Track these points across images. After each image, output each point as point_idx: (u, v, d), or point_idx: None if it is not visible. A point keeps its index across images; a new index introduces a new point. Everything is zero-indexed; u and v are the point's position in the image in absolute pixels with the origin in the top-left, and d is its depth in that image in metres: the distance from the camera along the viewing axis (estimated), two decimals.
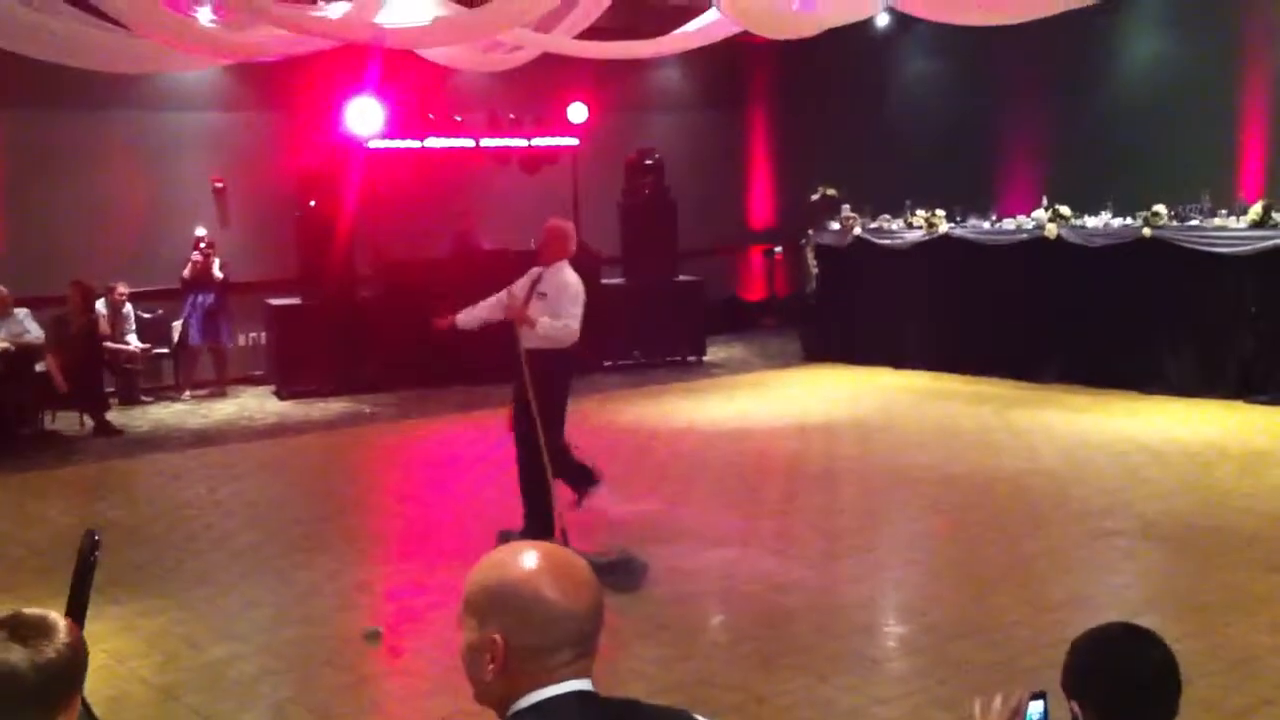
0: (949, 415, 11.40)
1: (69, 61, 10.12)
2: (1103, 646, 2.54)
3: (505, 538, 6.83)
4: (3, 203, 12.96)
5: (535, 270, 7.67)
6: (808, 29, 10.85)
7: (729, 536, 7.79)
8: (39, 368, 11.32)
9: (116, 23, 8.85)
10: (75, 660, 2.26)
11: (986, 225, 13.36)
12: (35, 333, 11.48)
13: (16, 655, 2.16)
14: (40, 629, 2.23)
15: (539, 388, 7.32)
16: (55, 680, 2.20)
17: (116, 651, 5.96)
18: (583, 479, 7.98)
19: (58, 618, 2.27)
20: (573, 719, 1.91)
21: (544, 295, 7.48)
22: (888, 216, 14.31)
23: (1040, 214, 12.76)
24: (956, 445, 10.17)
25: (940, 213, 13.66)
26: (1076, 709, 2.49)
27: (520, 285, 7.66)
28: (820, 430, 10.98)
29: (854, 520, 8.14)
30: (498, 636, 1.95)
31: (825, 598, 6.59)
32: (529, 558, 1.98)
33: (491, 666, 1.96)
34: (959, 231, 13.42)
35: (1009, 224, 13.13)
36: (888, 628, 6.34)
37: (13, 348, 11.19)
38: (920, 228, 13.77)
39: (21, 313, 11.55)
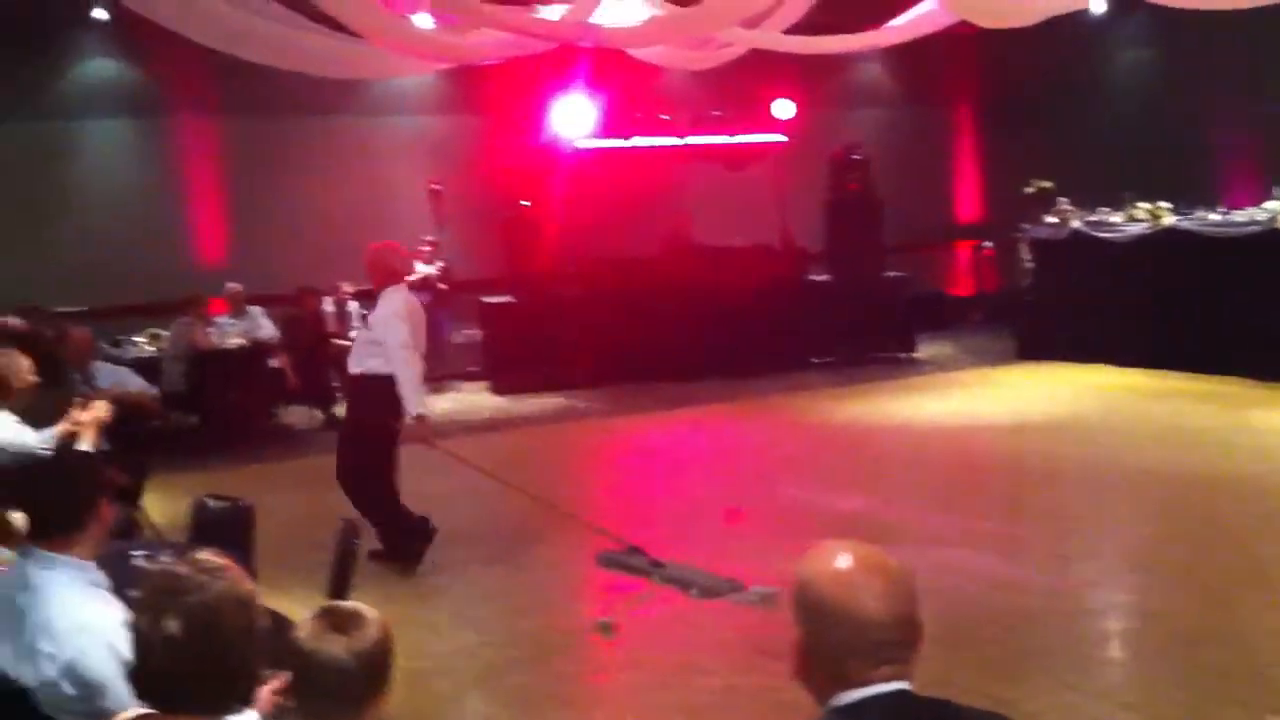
0: (1176, 414, 10.94)
1: (283, 65, 10.57)
2: None
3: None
4: (232, 206, 13.63)
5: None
6: (1030, 17, 10.56)
7: (952, 537, 7.64)
8: (272, 364, 11.83)
9: (335, 26, 9.18)
10: (387, 648, 2.38)
11: (1215, 217, 12.78)
12: (268, 330, 12.01)
13: (338, 646, 2.29)
14: (356, 620, 2.36)
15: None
16: (372, 666, 2.33)
17: None
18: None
19: (368, 609, 2.39)
20: (886, 718, 1.91)
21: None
22: (1106, 209, 13.84)
23: (1274, 204, 12.14)
24: (1186, 445, 9.75)
25: (1165, 205, 13.13)
26: None
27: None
28: (1040, 429, 10.68)
29: (1083, 522, 7.91)
30: (802, 635, 1.97)
31: (1063, 601, 6.41)
32: (839, 560, 1.99)
33: (797, 663, 1.99)
34: (1185, 224, 12.87)
35: (1239, 215, 12.54)
36: (1129, 632, 6.14)
37: (248, 344, 11.73)
38: (1144, 220, 13.26)
39: (255, 310, 12.10)
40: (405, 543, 7.43)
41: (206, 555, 2.24)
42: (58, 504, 3.39)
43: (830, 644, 1.94)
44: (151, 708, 2.16)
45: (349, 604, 2.44)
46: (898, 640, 1.94)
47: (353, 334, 13.31)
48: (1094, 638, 5.96)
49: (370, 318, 7.48)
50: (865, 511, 8.30)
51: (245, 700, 2.18)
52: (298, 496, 9.82)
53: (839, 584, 1.96)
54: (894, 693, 1.93)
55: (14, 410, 5.89)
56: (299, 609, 5.89)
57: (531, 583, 7.14)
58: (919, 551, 7.36)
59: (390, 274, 7.41)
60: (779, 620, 6.18)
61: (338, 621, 2.34)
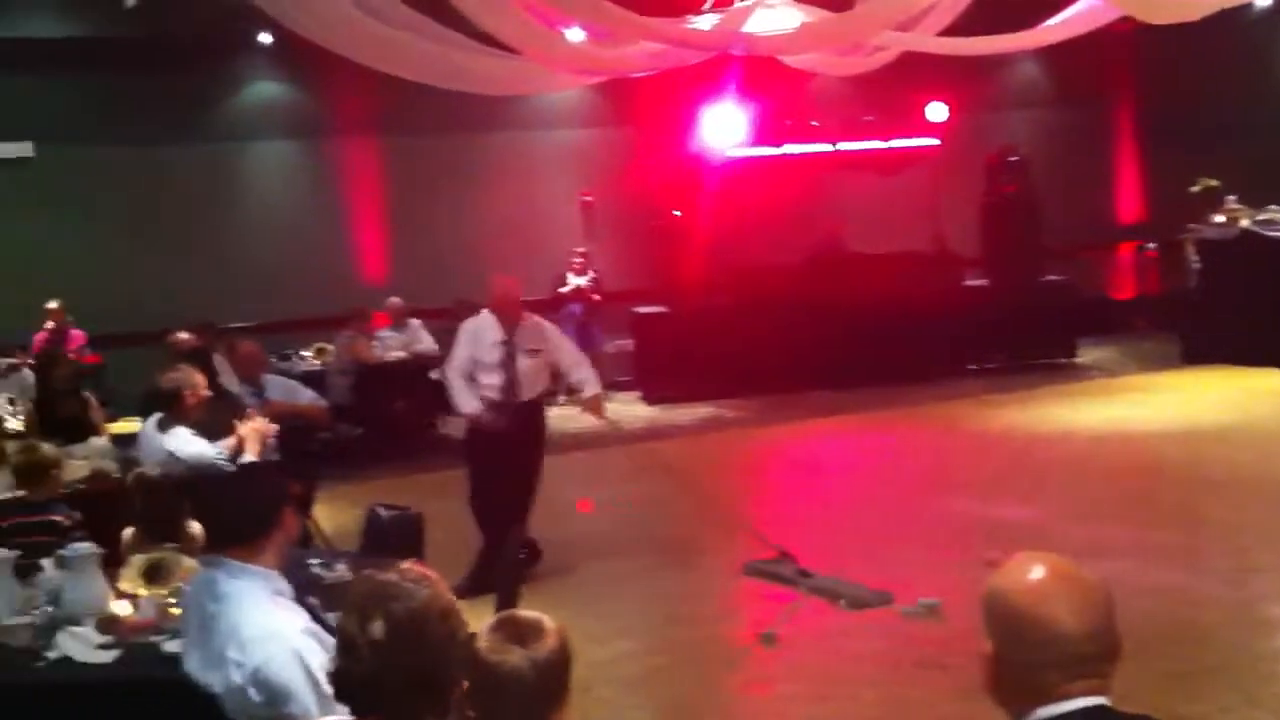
0: None
1: (440, 83, 10.75)
2: None
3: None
4: (392, 222, 13.97)
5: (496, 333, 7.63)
6: (1195, 12, 10.20)
7: (1122, 548, 7.38)
8: (432, 375, 12.05)
9: (489, 43, 9.32)
10: (566, 657, 2.40)
11: None
12: (427, 342, 12.24)
13: (517, 656, 2.32)
14: (535, 630, 2.39)
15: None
16: (551, 676, 2.35)
17: None
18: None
19: (548, 620, 2.41)
20: None
21: (537, 351, 7.56)
22: (1276, 208, 13.30)
23: None
24: None
25: None
26: None
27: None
28: (1212, 437, 10.29)
29: (1261, 534, 7.57)
30: (995, 648, 1.94)
31: (1243, 614, 6.19)
32: (1033, 572, 1.96)
33: (989, 677, 1.95)
34: None
35: None
36: None
37: (408, 357, 11.99)
38: None
39: (415, 323, 12.36)
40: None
41: (411, 565, 2.29)
42: (244, 514, 3.50)
43: (1024, 657, 1.91)
44: (351, 712, 2.21)
45: (529, 614, 2.46)
46: (1093, 654, 1.89)
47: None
48: (1276, 652, 5.71)
49: (533, 347, 7.68)
50: (1028, 521, 8.11)
51: (444, 710, 2.21)
52: (459, 505, 9.99)
53: (1033, 595, 1.92)
54: (1093, 708, 1.89)
55: (189, 424, 6.12)
56: (469, 616, 6.05)
57: (692, 592, 7.15)
58: (1088, 564, 7.08)
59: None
60: (940, 633, 6.12)
61: (517, 632, 2.37)
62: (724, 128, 13.39)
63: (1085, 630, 1.89)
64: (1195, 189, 14.20)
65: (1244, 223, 13.40)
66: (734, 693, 5.72)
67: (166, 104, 12.82)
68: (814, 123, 14.37)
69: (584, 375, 7.92)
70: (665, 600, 7.03)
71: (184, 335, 9.52)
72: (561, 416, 13.37)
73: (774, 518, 8.92)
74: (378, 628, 2.14)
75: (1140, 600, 6.47)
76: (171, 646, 3.88)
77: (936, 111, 14.13)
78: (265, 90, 13.71)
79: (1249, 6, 12.82)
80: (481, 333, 7.72)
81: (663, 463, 11.06)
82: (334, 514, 9.10)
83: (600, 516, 9.20)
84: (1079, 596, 1.91)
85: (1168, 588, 6.62)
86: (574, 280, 13.98)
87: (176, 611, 4.06)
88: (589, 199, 14.62)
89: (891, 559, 7.37)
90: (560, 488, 10.23)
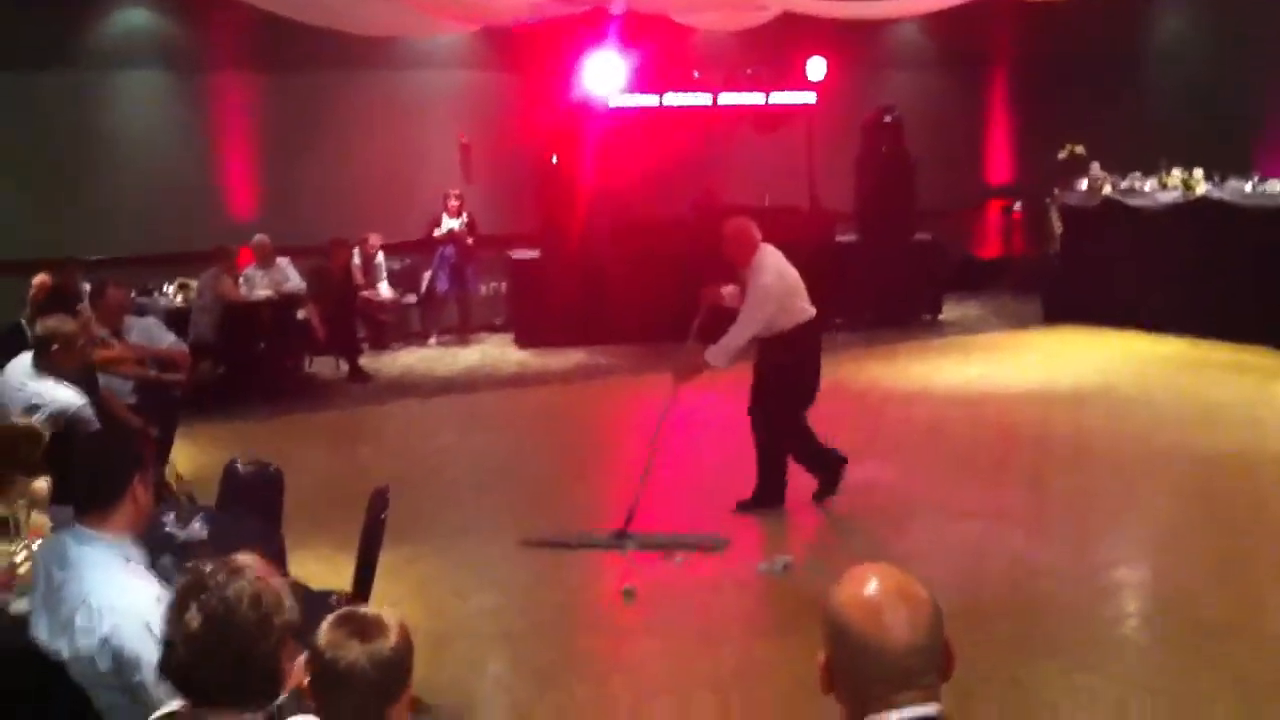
0: (1208, 387, 10.85)
1: (317, 21, 10.49)
2: None
3: None
4: (264, 159, 13.65)
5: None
6: None
7: (973, 510, 7.62)
8: (300, 315, 11.89)
9: None
10: (406, 655, 2.47)
11: (1248, 188, 12.68)
12: (296, 281, 12.03)
13: (356, 652, 2.38)
14: (376, 626, 2.44)
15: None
16: (390, 672, 2.41)
17: (388, 595, 6.24)
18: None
19: (391, 617, 2.48)
20: None
21: None
22: (1139, 175, 13.73)
23: None
24: (1219, 421, 9.64)
25: (1198, 173, 13.03)
26: None
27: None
28: (1067, 399, 10.64)
29: (1108, 500, 7.87)
30: (828, 657, 2.03)
31: (1083, 582, 6.41)
32: (866, 588, 2.03)
33: (825, 682, 2.04)
34: (1218, 194, 12.78)
35: (1276, 185, 12.42)
36: (1151, 617, 6.13)
37: (276, 296, 11.79)
38: (1175, 189, 13.16)
39: (283, 262, 12.10)
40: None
41: (237, 556, 2.32)
42: (95, 480, 3.45)
43: (853, 668, 1.99)
44: (182, 698, 2.26)
45: (369, 610, 2.51)
46: (919, 668, 1.98)
47: (380, 286, 13.46)
48: (1114, 621, 5.98)
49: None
50: (885, 481, 8.30)
51: (269, 695, 2.26)
52: (325, 450, 9.94)
53: (863, 611, 2.00)
54: (921, 718, 1.97)
55: (59, 375, 5.99)
56: (327, 568, 6.01)
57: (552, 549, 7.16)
58: (939, 525, 7.40)
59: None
60: (796, 592, 6.28)
61: (358, 628, 2.42)
62: (605, 76, 13.33)
63: (911, 645, 1.97)
64: (1062, 154, 14.59)
65: (1106, 190, 13.81)
66: (593, 650, 5.80)
67: (29, 27, 12.27)
68: (695, 74, 14.37)
69: None
70: (532, 555, 7.04)
71: (45, 277, 9.15)
72: (430, 359, 13.32)
73: (636, 471, 9.00)
74: (192, 619, 2.20)
75: (985, 563, 6.73)
76: (19, 607, 3.80)
77: (816, 68, 14.23)
78: (135, 18, 13.19)
79: None
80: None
81: (533, 410, 11.09)
82: (195, 455, 8.96)
83: (468, 464, 9.22)
84: (907, 613, 2.00)
85: (1012, 553, 6.85)
86: (449, 223, 13.86)
87: (24, 571, 3.98)
88: (466, 142, 14.45)
89: (749, 516, 7.51)
90: (432, 433, 10.23)
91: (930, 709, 1.98)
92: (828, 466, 7.63)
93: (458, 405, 11.19)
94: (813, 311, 7.53)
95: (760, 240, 7.49)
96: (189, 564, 2.41)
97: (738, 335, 7.36)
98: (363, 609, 2.56)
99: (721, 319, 7.58)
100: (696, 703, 5.18)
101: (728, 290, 7.67)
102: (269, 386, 11.45)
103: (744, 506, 7.55)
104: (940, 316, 14.96)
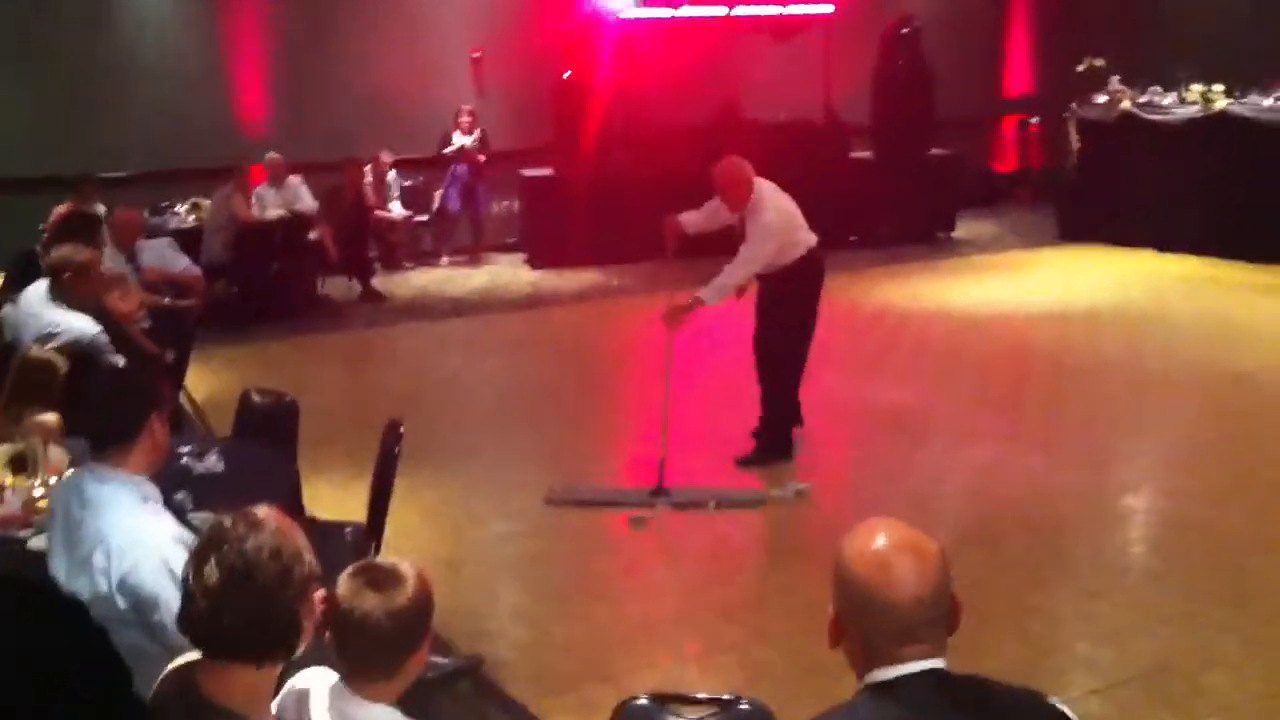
0: (1226, 306, 10.79)
1: None
2: None
3: None
4: (275, 76, 13.51)
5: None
6: None
7: (989, 433, 7.62)
8: (312, 235, 11.83)
9: None
10: (424, 606, 2.47)
11: (1268, 102, 12.48)
12: (308, 201, 11.97)
13: (372, 602, 2.39)
14: (393, 577, 2.45)
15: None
16: (407, 622, 2.43)
17: (403, 521, 6.26)
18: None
19: (409, 568, 2.49)
20: (921, 699, 1.96)
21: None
22: (1158, 89, 13.53)
23: None
24: (1238, 341, 9.59)
25: (1218, 88, 12.82)
26: None
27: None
28: (1083, 319, 10.58)
29: (1125, 421, 7.86)
30: (836, 611, 2.04)
31: (1098, 506, 6.40)
32: (874, 541, 2.04)
33: (833, 635, 2.05)
34: (1237, 109, 12.58)
35: None
36: (1167, 541, 6.11)
37: (288, 215, 11.72)
38: (1195, 104, 12.96)
39: (295, 181, 12.04)
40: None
41: (257, 508, 2.31)
42: (112, 417, 3.45)
43: (860, 622, 2.01)
44: (200, 653, 2.27)
45: (389, 562, 2.52)
46: (925, 620, 1.98)
47: (392, 204, 13.37)
48: (1130, 544, 5.99)
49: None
50: (901, 403, 8.29)
51: (289, 649, 2.27)
52: (338, 370, 9.97)
53: (872, 565, 2.00)
54: (927, 671, 1.98)
55: (73, 304, 6.00)
56: (342, 494, 6.04)
57: (577, 475, 7.14)
58: (955, 448, 7.39)
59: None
60: (811, 518, 6.30)
61: (374, 579, 2.43)
62: None
63: (918, 599, 1.98)
64: (1081, 67, 14.35)
65: (1125, 104, 13.61)
66: (607, 576, 5.83)
67: None
68: None
69: None
70: (546, 479, 6.99)
71: (62, 209, 9.06)
72: (442, 279, 13.28)
73: (650, 398, 8.98)
74: (210, 573, 2.19)
75: (1000, 488, 6.73)
76: (37, 543, 3.82)
77: None
78: None
79: None
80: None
81: (546, 331, 11.06)
82: (209, 377, 8.99)
83: (480, 387, 9.22)
84: (914, 566, 2.00)
85: (1027, 477, 6.85)
86: (460, 139, 13.73)
87: (43, 505, 4.00)
88: (479, 56, 14.27)
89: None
90: (445, 355, 10.23)
91: (937, 662, 1.99)
92: (784, 427, 7.30)
93: (470, 327, 11.17)
94: (814, 239, 7.15)
95: (753, 177, 7.09)
96: (209, 519, 2.40)
97: (736, 273, 7.02)
98: (381, 560, 2.56)
99: (697, 238, 7.39)
100: (710, 626, 5.21)
101: (687, 217, 7.35)
102: (282, 307, 11.43)
103: (745, 462, 7.18)
104: (956, 233, 14.84)
